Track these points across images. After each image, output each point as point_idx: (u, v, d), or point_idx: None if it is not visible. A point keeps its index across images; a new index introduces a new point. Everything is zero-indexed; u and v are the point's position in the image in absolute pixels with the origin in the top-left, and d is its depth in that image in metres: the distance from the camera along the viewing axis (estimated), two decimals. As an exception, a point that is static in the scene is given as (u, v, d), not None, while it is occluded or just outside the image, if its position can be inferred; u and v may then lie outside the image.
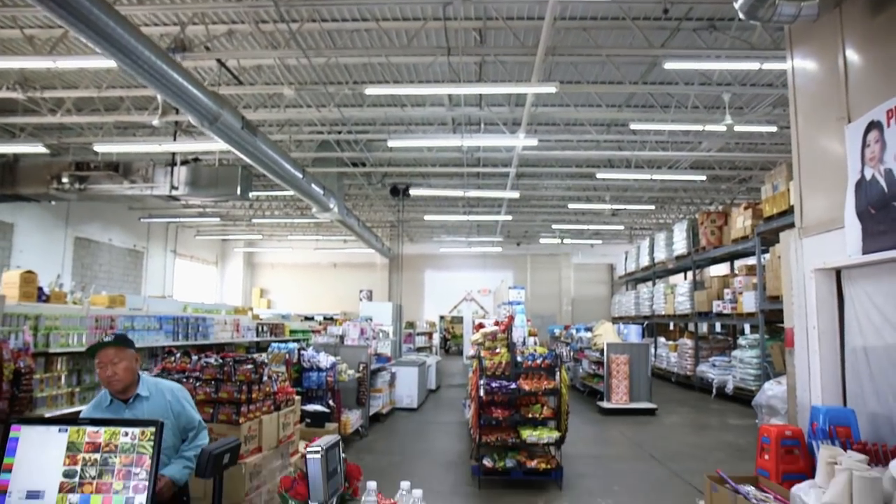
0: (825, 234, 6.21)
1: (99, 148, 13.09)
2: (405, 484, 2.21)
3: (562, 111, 12.43)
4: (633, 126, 12.65)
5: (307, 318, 18.66)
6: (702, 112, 11.92)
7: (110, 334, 3.29)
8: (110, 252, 20.10)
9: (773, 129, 12.08)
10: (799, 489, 4.48)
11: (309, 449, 1.76)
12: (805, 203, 6.64)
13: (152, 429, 2.12)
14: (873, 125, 5.28)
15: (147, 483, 2.07)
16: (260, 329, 12.60)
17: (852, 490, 4.00)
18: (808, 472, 4.99)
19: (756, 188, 15.85)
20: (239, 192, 12.85)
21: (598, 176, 16.09)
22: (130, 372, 3.18)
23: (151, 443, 2.11)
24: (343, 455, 1.95)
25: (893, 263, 5.37)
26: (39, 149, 13.00)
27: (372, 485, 2.13)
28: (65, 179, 12.74)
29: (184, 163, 13.18)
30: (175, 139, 12.74)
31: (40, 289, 7.90)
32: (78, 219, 18.24)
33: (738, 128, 11.51)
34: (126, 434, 2.12)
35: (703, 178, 16.34)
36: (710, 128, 12.05)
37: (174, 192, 13.12)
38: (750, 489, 5.50)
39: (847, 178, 5.65)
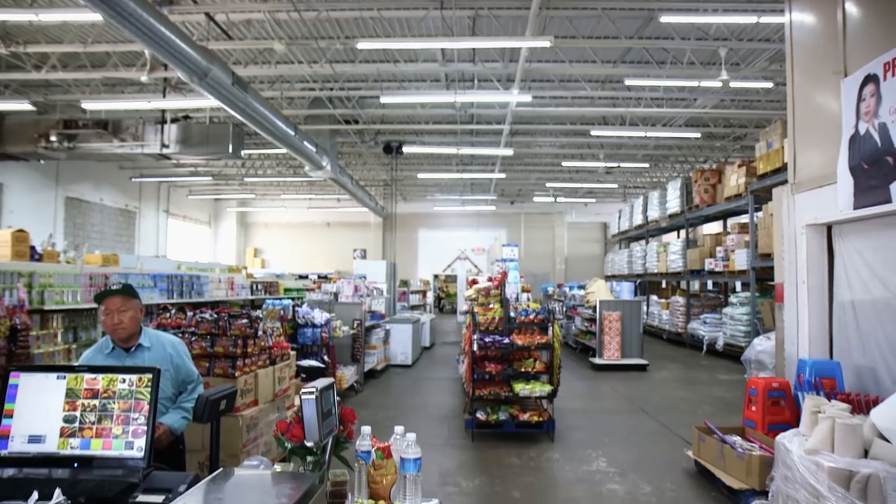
0: (817, 189, 6.24)
1: (87, 105, 12.89)
2: (399, 428, 2.26)
3: (556, 67, 12.29)
4: (628, 82, 12.53)
5: (301, 277, 18.71)
6: (698, 68, 11.80)
7: (118, 284, 3.35)
8: (102, 212, 19.98)
9: (770, 85, 12.00)
10: (783, 437, 4.59)
11: (304, 390, 1.79)
12: (798, 159, 6.65)
13: (149, 375, 2.15)
14: (869, 79, 5.26)
15: (145, 428, 2.10)
16: (254, 287, 12.64)
17: (834, 437, 4.10)
18: (794, 423, 5.11)
19: (750, 146, 15.81)
20: (231, 149, 12.75)
21: (593, 133, 15.99)
22: (135, 321, 3.25)
23: (149, 389, 2.13)
24: (338, 398, 1.98)
25: (883, 218, 5.41)
26: (26, 106, 12.80)
27: (366, 429, 2.18)
28: (53, 138, 12.59)
29: (174, 121, 13.02)
30: (164, 96, 12.55)
31: (33, 248, 7.88)
32: (68, 178, 18.08)
33: (733, 84, 11.43)
34: (124, 381, 2.14)
35: (698, 135, 16.27)
36: (705, 84, 11.95)
37: (165, 151, 13.00)
38: (736, 439, 5.64)
39: (841, 133, 5.65)
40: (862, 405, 4.83)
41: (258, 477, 1.81)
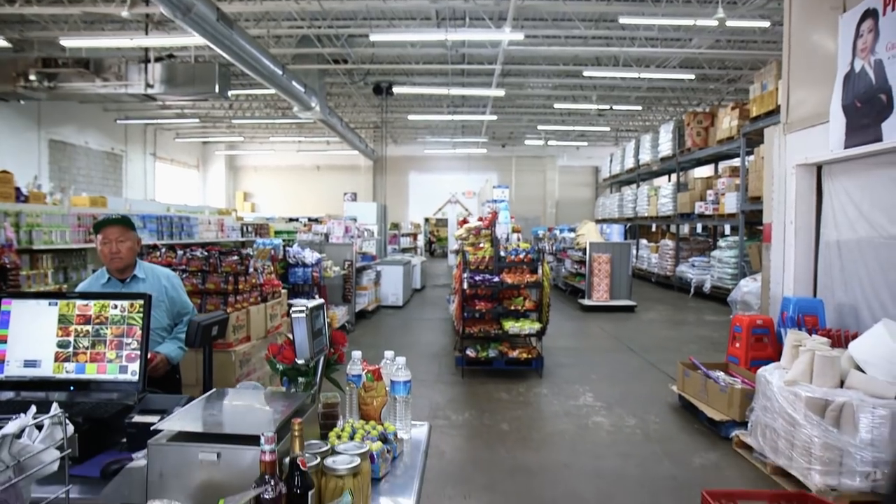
0: (809, 129, 6.23)
1: (66, 42, 12.51)
2: (389, 353, 2.31)
3: (549, 4, 12.01)
4: (622, 20, 12.26)
5: (292, 220, 18.66)
6: (694, 6, 11.57)
7: (116, 214, 3.33)
8: (87, 155, 19.67)
9: (766, 24, 11.79)
10: (764, 370, 4.71)
11: (294, 309, 1.82)
12: (792, 98, 6.61)
13: (140, 301, 2.16)
14: (868, 14, 5.19)
15: (139, 353, 2.13)
16: (245, 229, 12.61)
17: (813, 368, 4.21)
18: (776, 358, 5.22)
19: (744, 89, 15.65)
20: (217, 89, 12.47)
21: (586, 74, 15.76)
22: (132, 252, 3.28)
23: (141, 314, 2.15)
24: (328, 320, 2.02)
25: (873, 158, 5.43)
26: (1, 42, 12.41)
27: (357, 354, 2.22)
28: (32, 77, 12.25)
29: (158, 59, 12.68)
30: (147, 33, 12.20)
31: (18, 189, 7.79)
32: (50, 121, 17.70)
33: (730, 23, 11.20)
34: (115, 307, 2.16)
35: (692, 77, 16.07)
36: (701, 22, 11.72)
37: (150, 91, 12.70)
38: (720, 374, 5.78)
39: (836, 72, 5.61)
40: (842, 340, 4.95)
41: (251, 395, 1.86)
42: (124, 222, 3.29)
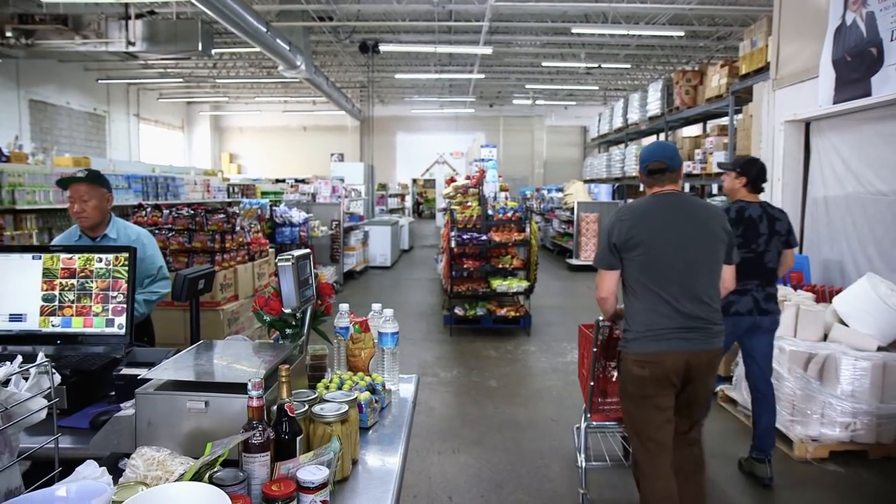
0: (798, 84, 6.20)
1: (41, -4, 12.16)
2: (376, 306, 2.31)
3: (538, -41, 11.77)
4: (612, -24, 12.08)
5: (278, 181, 18.51)
6: (684, -40, 11.38)
7: (82, 170, 3.18)
8: (69, 116, 19.27)
9: (757, -21, 11.64)
10: (750, 325, 4.76)
11: (280, 257, 1.81)
12: (781, 53, 6.57)
13: (125, 255, 2.14)
14: (859, -35, 5.12)
15: (125, 306, 2.12)
16: (231, 190, 12.51)
17: (797, 323, 4.27)
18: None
19: (734, 46, 15.50)
20: (200, 47, 12.19)
21: (574, 31, 15.53)
22: (100, 211, 3.14)
23: (126, 267, 2.13)
24: (315, 271, 2.01)
25: (861, 113, 5.43)
26: (-26, -2, 12.04)
27: (344, 306, 2.22)
28: (9, 34, 11.91)
29: (139, 16, 12.35)
30: (126, -13, 11.87)
31: (-1, 149, 7.66)
32: (30, 80, 17.27)
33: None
34: (100, 260, 2.14)
35: (681, 34, 15.89)
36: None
37: (131, 49, 12.40)
38: (705, 330, 5.83)
39: (826, 27, 5.56)
40: (826, 295, 5.02)
41: (239, 346, 1.86)
42: (90, 179, 3.13)
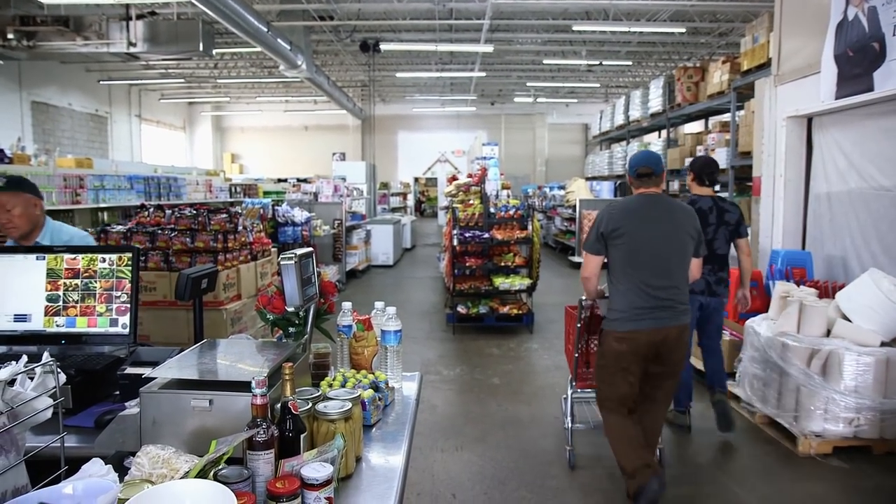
0: (800, 80, 6.19)
1: (43, -1, 12.18)
2: (379, 304, 2.31)
3: (539, -44, 11.75)
4: (612, -27, 12.05)
5: (280, 181, 18.54)
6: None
7: (1, 178, 2.95)
8: (72, 117, 19.30)
9: (758, -25, 11.61)
10: (752, 321, 4.77)
11: (283, 256, 1.81)
12: (783, 48, 6.56)
13: (129, 255, 2.15)
14: (860, -40, 5.11)
15: (129, 305, 2.13)
16: (233, 190, 12.53)
17: (800, 319, 4.26)
18: (764, 311, 5.25)
19: (735, 42, 15.46)
20: (201, 47, 12.20)
21: (575, 28, 15.52)
22: (27, 218, 2.94)
23: (129, 267, 2.14)
24: (318, 270, 2.01)
25: (864, 108, 5.42)
26: (-25, 0, 12.07)
27: (347, 305, 2.23)
28: (10, 35, 11.93)
29: (139, 17, 12.37)
30: (127, -11, 11.88)
31: (1, 150, 7.69)
32: (32, 82, 17.30)
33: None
34: (104, 260, 2.15)
35: (683, 30, 15.87)
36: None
37: (132, 50, 12.40)
38: (708, 326, 5.83)
39: (828, 22, 5.55)
40: (829, 291, 5.01)
41: (242, 345, 1.86)
42: (10, 187, 2.91)
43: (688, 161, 14.84)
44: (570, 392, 4.09)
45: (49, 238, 3.01)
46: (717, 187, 16.02)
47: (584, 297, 3.63)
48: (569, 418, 4.06)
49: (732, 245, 4.51)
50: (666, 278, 3.20)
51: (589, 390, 3.97)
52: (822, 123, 6.17)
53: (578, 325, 3.73)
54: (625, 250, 3.22)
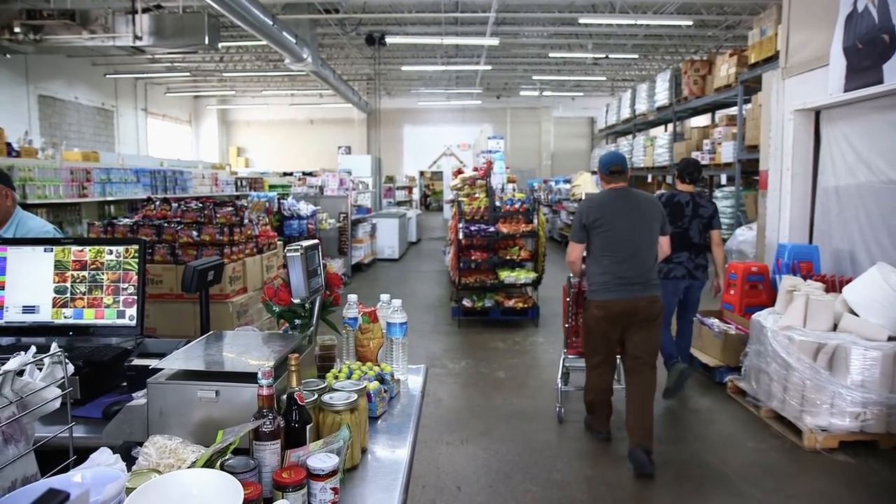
0: (808, 73, 6.15)
1: (48, -8, 12.19)
2: (385, 296, 2.32)
3: (545, -51, 11.69)
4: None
5: (286, 174, 18.56)
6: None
7: None
8: (78, 111, 19.36)
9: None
10: (759, 315, 4.76)
11: (289, 248, 1.82)
12: (791, 40, 6.51)
13: (136, 247, 2.16)
14: (870, -49, 5.06)
15: (136, 297, 2.14)
16: (239, 183, 12.54)
17: (807, 313, 4.25)
18: (770, 305, 5.25)
19: (743, 35, 15.38)
20: (207, 41, 12.20)
21: (581, 21, 15.45)
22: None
23: (136, 259, 2.15)
24: (324, 262, 2.02)
25: (873, 101, 5.38)
26: (-19, -7, 12.09)
27: (353, 297, 2.23)
28: (17, 29, 11.96)
29: (145, 10, 12.38)
30: (133, -18, 11.88)
31: (9, 144, 7.72)
32: (38, 75, 17.35)
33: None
34: (111, 252, 2.15)
35: (690, 23, 15.78)
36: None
37: (138, 43, 12.42)
38: (714, 321, 5.84)
39: (837, 14, 5.51)
40: (836, 285, 4.98)
41: (248, 336, 1.87)
42: None
43: (693, 155, 14.87)
44: (562, 358, 4.78)
45: (14, 231, 2.92)
46: (724, 180, 15.95)
47: (571, 276, 4.48)
48: (560, 381, 4.78)
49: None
50: (637, 258, 3.86)
51: (578, 357, 4.60)
52: (830, 117, 6.13)
53: (567, 299, 4.57)
54: (603, 237, 3.91)
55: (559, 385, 4.75)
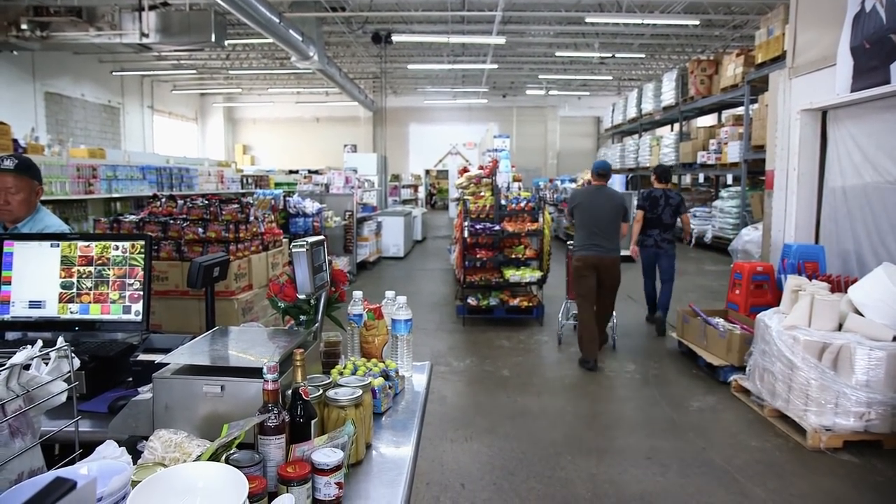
0: (815, 73, 6.12)
1: (55, -11, 12.22)
2: (390, 293, 2.32)
3: (552, -53, 11.67)
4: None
5: (292, 172, 18.59)
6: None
7: (12, 157, 2.78)
8: (84, 108, 19.43)
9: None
10: (764, 315, 4.74)
11: (294, 244, 1.82)
12: (799, 40, 6.48)
13: (142, 242, 2.17)
14: (878, -50, 5.04)
15: (142, 293, 2.15)
16: (245, 181, 12.57)
17: (812, 312, 4.24)
18: (775, 305, 5.23)
19: (750, 35, 15.33)
20: (213, 38, 12.23)
21: (588, 20, 15.42)
22: (26, 205, 2.81)
23: (142, 255, 2.16)
24: (329, 258, 2.02)
25: (880, 101, 5.36)
26: (-11, -10, 12.13)
27: (358, 294, 2.23)
28: (24, 26, 12.00)
29: (152, 7, 12.41)
30: (140, -20, 11.91)
31: (15, 141, 7.75)
32: (45, 73, 17.42)
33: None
34: (117, 248, 2.17)
35: (697, 22, 15.73)
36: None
37: (145, 41, 12.45)
38: (719, 321, 5.82)
39: (844, 14, 5.49)
40: (842, 285, 4.97)
41: (254, 332, 1.88)
42: (20, 170, 2.73)
43: (699, 154, 14.88)
44: (565, 302, 6.78)
45: (30, 226, 2.85)
46: (730, 180, 15.97)
47: (570, 244, 6.35)
48: (561, 315, 6.78)
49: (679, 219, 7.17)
50: (603, 232, 5.82)
51: (573, 301, 6.42)
52: (836, 116, 6.11)
53: (566, 260, 6.59)
54: (580, 216, 5.96)
55: (560, 320, 6.75)
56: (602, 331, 6.14)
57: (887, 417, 3.94)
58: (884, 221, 5.37)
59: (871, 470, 3.78)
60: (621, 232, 5.95)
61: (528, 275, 7.11)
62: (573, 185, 15.02)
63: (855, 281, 4.70)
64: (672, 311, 6.88)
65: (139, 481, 1.10)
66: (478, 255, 7.27)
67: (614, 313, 6.35)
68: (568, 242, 6.32)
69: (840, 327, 4.27)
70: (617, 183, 15.21)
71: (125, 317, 2.16)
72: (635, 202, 8.50)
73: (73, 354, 1.39)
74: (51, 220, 2.98)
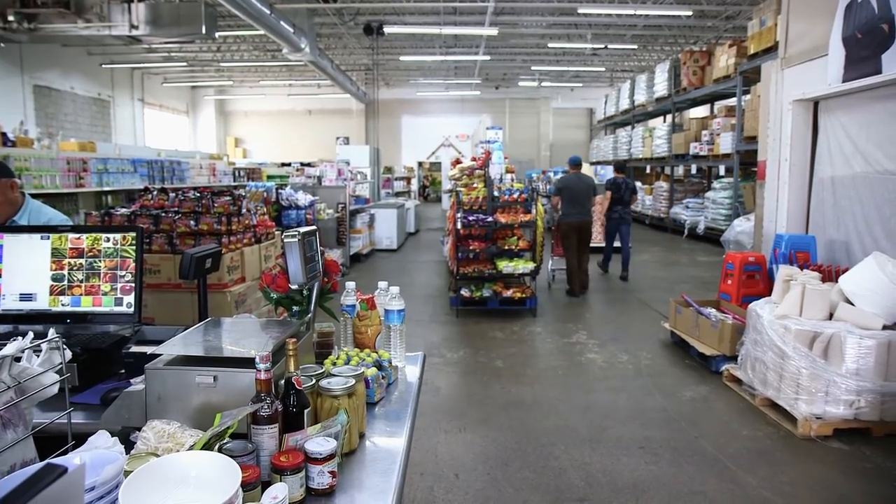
0: (807, 63, 6.15)
1: (44, -20, 12.07)
2: (382, 283, 2.32)
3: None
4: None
5: (284, 165, 18.52)
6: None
7: None
8: (74, 101, 19.26)
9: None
10: (755, 305, 4.77)
11: (286, 234, 1.82)
12: (791, 30, 6.50)
13: (133, 234, 2.16)
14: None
15: (133, 285, 2.14)
16: (237, 174, 12.52)
17: (803, 302, 4.26)
18: (767, 295, 5.26)
19: (742, 26, 15.33)
20: (204, 30, 12.13)
21: (581, 11, 15.40)
22: (8, 204, 2.80)
23: (133, 247, 2.15)
24: (322, 249, 2.02)
25: (871, 92, 5.39)
26: (-25, -18, 11.98)
27: (351, 284, 2.23)
28: (11, 18, 11.84)
29: (141, -1, 12.31)
30: (129, -30, 11.80)
31: (4, 134, 7.70)
32: (33, 65, 17.23)
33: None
34: (108, 240, 2.16)
35: (689, 13, 15.72)
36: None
37: (134, 32, 12.33)
38: (711, 311, 5.85)
39: (837, 3, 5.50)
40: (832, 274, 5.00)
41: (246, 323, 1.88)
42: None
43: (692, 146, 14.91)
44: (553, 258, 9.12)
45: (27, 218, 2.86)
46: (722, 171, 16.00)
47: (556, 215, 8.56)
48: (549, 265, 9.14)
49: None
50: (581, 205, 8.26)
51: (560, 258, 8.81)
52: (828, 107, 6.14)
53: (554, 230, 8.88)
54: (566, 194, 8.31)
55: (549, 269, 9.20)
56: (584, 273, 8.51)
57: (876, 405, 3.98)
58: (871, 211, 5.41)
59: (860, 457, 3.82)
60: (593, 204, 8.67)
61: (521, 266, 7.12)
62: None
63: (845, 270, 4.73)
64: (664, 302, 6.91)
65: (132, 471, 1.11)
66: (471, 247, 7.27)
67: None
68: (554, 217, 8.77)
69: (831, 317, 4.30)
70: (609, 174, 15.23)
71: (117, 309, 2.15)
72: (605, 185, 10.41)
73: (64, 346, 1.38)
74: (49, 212, 2.98)
